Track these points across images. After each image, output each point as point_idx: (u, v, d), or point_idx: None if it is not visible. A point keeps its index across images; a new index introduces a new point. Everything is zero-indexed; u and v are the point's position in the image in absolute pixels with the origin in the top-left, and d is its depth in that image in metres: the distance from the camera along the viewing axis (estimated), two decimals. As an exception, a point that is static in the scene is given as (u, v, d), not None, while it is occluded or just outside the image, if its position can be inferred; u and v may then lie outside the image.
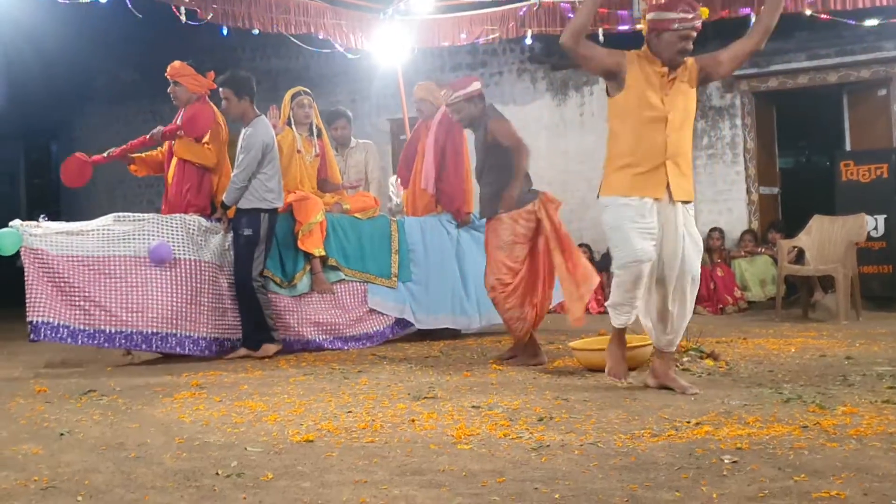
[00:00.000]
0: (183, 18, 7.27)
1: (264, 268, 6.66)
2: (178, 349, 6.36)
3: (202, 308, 6.47)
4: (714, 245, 10.11)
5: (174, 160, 6.85)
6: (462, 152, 7.52)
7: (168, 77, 6.88)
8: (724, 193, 10.62)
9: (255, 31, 8.06)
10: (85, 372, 6.09)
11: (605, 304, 4.89)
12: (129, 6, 6.89)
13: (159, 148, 7.09)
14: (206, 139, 6.76)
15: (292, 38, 8.52)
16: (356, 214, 7.40)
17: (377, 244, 7.34)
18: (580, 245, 10.81)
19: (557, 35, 8.99)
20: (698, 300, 9.59)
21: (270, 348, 6.53)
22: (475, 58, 11.91)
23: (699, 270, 4.74)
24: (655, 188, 4.62)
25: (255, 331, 6.56)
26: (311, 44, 9.04)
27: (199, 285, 6.48)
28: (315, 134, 7.35)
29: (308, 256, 6.97)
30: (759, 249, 9.98)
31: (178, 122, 6.83)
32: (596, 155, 11.23)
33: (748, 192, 10.53)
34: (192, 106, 6.79)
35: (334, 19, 8.60)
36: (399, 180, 7.95)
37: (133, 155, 7.06)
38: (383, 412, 4.32)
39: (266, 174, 6.57)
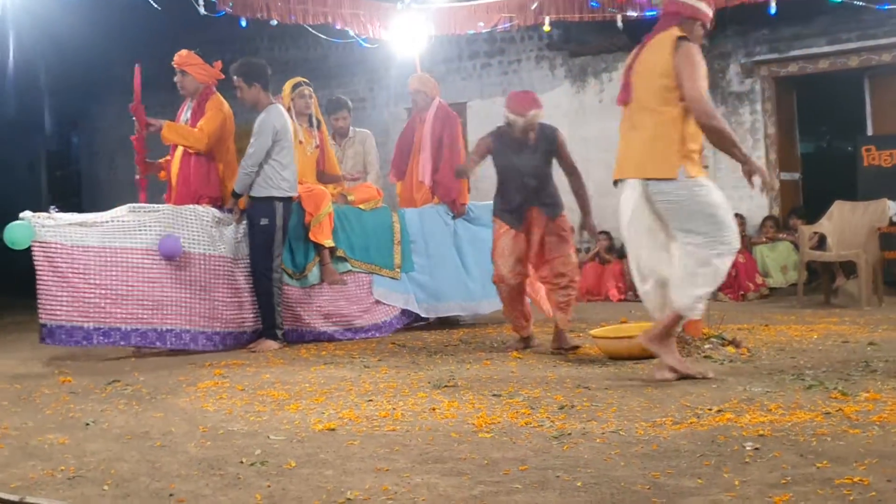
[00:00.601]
0: (202, 9, 7.28)
1: (281, 259, 6.65)
2: (191, 345, 6.30)
3: (216, 303, 6.41)
4: (735, 231, 10.06)
5: (178, 153, 6.79)
6: (458, 144, 7.62)
7: (174, 66, 6.81)
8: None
9: (273, 22, 8.08)
10: (109, 362, 6.13)
11: (695, 294, 4.55)
12: (149, -1, 6.91)
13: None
14: (200, 123, 6.66)
15: (310, 29, 8.53)
16: (360, 205, 7.42)
17: (380, 235, 7.38)
18: (601, 232, 10.81)
19: (576, 21, 9.00)
20: (720, 287, 9.63)
21: (272, 345, 6.43)
22: (493, 45, 11.88)
23: None
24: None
25: (269, 323, 6.52)
26: (329, 34, 9.05)
27: (214, 279, 6.42)
28: (315, 125, 7.34)
29: (317, 248, 6.98)
30: (781, 235, 9.93)
31: (185, 118, 6.81)
32: (616, 141, 11.19)
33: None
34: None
35: (351, 9, 8.60)
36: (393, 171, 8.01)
37: (159, 161, 7.05)
38: (404, 401, 4.33)
39: (279, 162, 6.51)
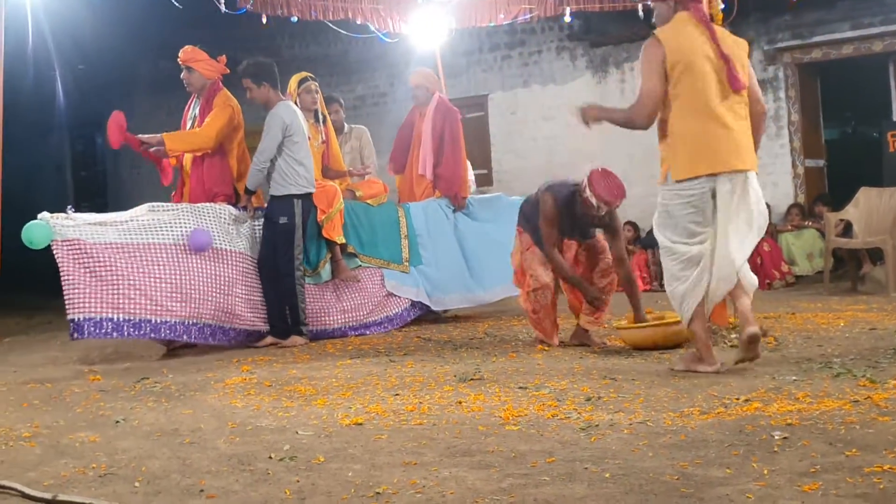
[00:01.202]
0: (222, 7, 7.31)
1: (309, 257, 6.63)
2: (210, 340, 6.28)
3: (236, 298, 6.37)
4: (760, 220, 10.00)
5: (188, 154, 6.78)
6: (459, 137, 7.67)
7: (180, 62, 6.75)
8: (769, 167, 10.49)
9: (294, 19, 8.10)
10: (137, 360, 6.18)
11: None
12: (170, -3, 6.95)
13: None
14: (206, 121, 6.62)
15: (330, 25, 8.55)
16: (368, 201, 7.44)
17: (388, 230, 7.41)
18: (625, 223, 10.78)
19: (596, 12, 8.97)
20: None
21: (298, 340, 6.44)
22: (513, 37, 11.86)
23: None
24: None
25: (284, 320, 6.51)
26: (349, 29, 9.07)
27: (233, 275, 6.39)
28: (321, 120, 7.34)
29: (329, 244, 6.98)
30: (806, 223, 9.86)
31: (195, 111, 6.78)
32: (638, 131, 11.14)
33: (793, 165, 10.40)
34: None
35: (371, 4, 8.61)
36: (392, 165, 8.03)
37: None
38: (430, 395, 4.35)
39: (294, 158, 6.50)
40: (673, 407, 3.75)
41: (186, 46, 6.77)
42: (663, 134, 4.64)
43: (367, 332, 6.96)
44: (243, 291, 6.46)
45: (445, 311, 7.74)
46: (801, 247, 9.75)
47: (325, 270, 6.98)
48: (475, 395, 4.26)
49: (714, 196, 4.49)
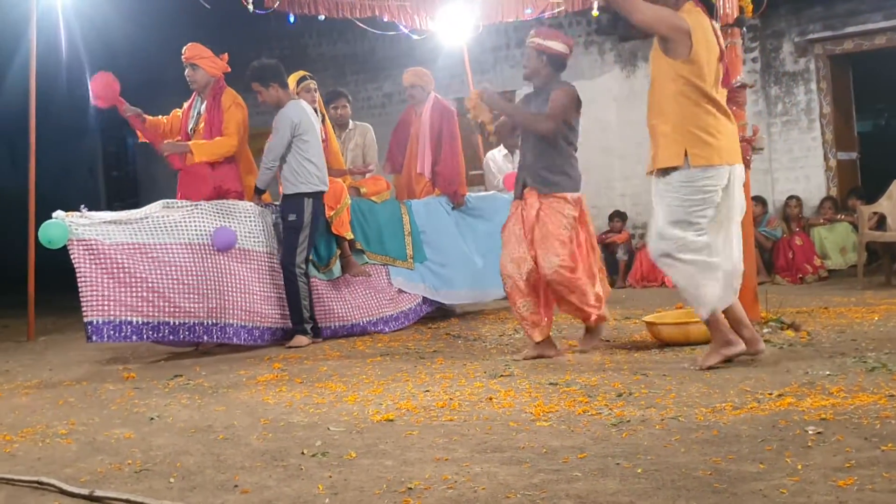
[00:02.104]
0: (250, 7, 7.35)
1: (309, 254, 6.57)
2: (234, 339, 6.20)
3: (255, 297, 6.31)
4: (792, 213, 9.93)
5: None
6: (456, 135, 7.69)
7: (185, 60, 6.70)
8: (801, 160, 10.40)
9: (321, 17, 8.13)
10: (170, 357, 6.24)
11: None
12: (199, -2, 6.99)
13: (165, 118, 7.00)
14: (224, 126, 6.62)
15: (358, 22, 8.57)
16: (372, 198, 7.45)
17: (393, 227, 7.42)
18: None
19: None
20: (777, 270, 9.53)
21: (303, 340, 6.35)
22: (541, 33, 11.82)
23: (650, 248, 4.76)
24: None
25: (297, 319, 6.45)
26: (376, 27, 9.09)
27: (252, 273, 6.34)
28: (319, 119, 7.29)
29: (338, 241, 6.98)
30: (839, 216, 9.75)
31: (199, 109, 6.75)
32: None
33: (825, 158, 10.29)
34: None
35: (398, 1, 8.63)
36: (388, 164, 8.05)
37: (145, 118, 6.92)
38: (461, 391, 4.35)
39: (304, 156, 6.46)
40: (705, 402, 3.74)
41: (190, 43, 6.72)
42: (679, 113, 4.54)
43: (383, 329, 6.95)
44: (263, 289, 6.41)
45: (454, 307, 7.75)
46: (833, 241, 9.64)
47: (337, 267, 6.97)
48: (505, 391, 4.26)
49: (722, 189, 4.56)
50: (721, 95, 4.64)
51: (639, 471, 2.84)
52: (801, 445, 3.00)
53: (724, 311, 4.56)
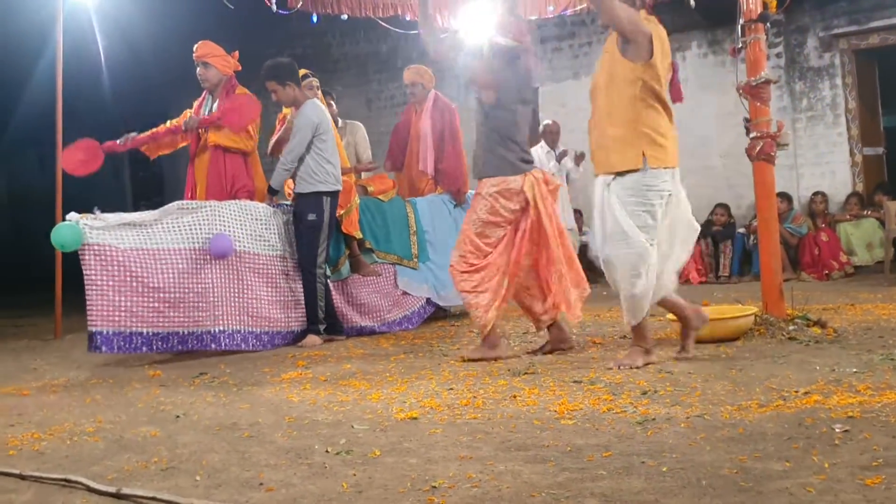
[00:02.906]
0: (273, 7, 7.37)
1: (327, 255, 6.56)
2: (242, 345, 6.12)
3: (262, 302, 6.24)
4: (817, 209, 9.86)
5: (204, 150, 6.68)
6: (459, 133, 7.66)
7: (196, 58, 6.63)
8: (826, 156, 10.32)
9: (344, 17, 8.14)
10: (195, 355, 6.27)
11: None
12: (223, -1, 7.02)
13: (180, 133, 6.87)
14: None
15: (380, 22, 8.58)
16: (379, 196, 7.43)
17: (398, 226, 7.41)
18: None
19: (647, 1, 8.87)
20: (803, 266, 9.46)
21: (316, 340, 6.35)
22: (563, 29, 11.80)
23: (609, 255, 4.67)
24: None
25: (313, 319, 6.44)
26: (399, 26, 9.09)
27: (262, 278, 6.28)
28: None
29: (347, 240, 6.96)
30: (865, 212, 9.68)
31: (210, 108, 6.67)
32: (690, 122, 11.04)
33: (851, 153, 10.21)
34: (235, 98, 6.57)
35: (419, -1, 8.62)
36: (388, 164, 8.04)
37: (142, 141, 6.78)
38: (484, 388, 4.35)
39: (323, 156, 6.44)
40: (730, 400, 3.72)
41: (201, 41, 6.65)
42: (635, 116, 4.64)
43: (390, 330, 6.91)
44: (272, 293, 6.33)
45: (450, 308, 7.69)
46: (860, 237, 9.57)
47: (346, 267, 6.95)
48: (529, 389, 4.25)
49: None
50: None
51: (664, 469, 2.82)
52: (827, 443, 2.98)
53: (662, 302, 4.76)
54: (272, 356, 6.00)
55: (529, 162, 5.37)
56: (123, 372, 5.68)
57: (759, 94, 5.63)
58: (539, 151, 9.09)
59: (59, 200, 6.17)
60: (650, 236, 4.59)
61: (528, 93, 5.58)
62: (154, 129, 6.78)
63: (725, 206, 10.43)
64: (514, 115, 5.34)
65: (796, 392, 3.76)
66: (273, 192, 6.58)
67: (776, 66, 10.26)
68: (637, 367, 4.56)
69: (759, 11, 5.62)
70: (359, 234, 6.98)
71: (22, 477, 3.18)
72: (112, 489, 2.93)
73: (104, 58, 10.19)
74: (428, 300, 7.34)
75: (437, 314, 7.66)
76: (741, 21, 5.68)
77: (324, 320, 6.49)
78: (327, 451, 3.32)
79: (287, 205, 6.70)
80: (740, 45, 5.71)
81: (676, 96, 4.82)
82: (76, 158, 6.59)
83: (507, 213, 5.23)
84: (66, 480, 3.09)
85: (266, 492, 2.88)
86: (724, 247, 10.07)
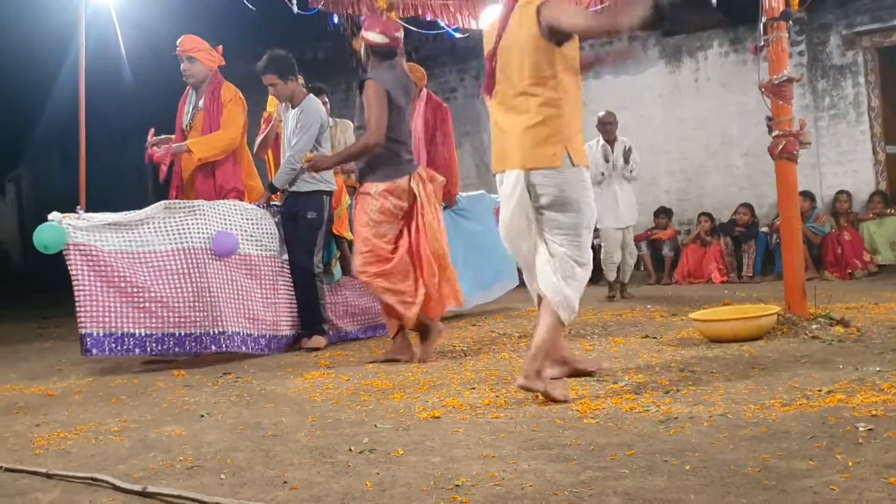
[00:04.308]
0: (294, 8, 7.39)
1: (323, 254, 6.46)
2: (242, 348, 5.98)
3: (257, 304, 6.11)
4: (841, 208, 9.79)
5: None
6: (450, 133, 7.62)
7: (181, 53, 6.45)
8: (849, 154, 10.25)
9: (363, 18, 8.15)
10: (218, 356, 6.30)
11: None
12: (244, 1, 7.03)
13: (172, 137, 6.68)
14: (224, 120, 6.41)
15: (400, 22, 8.58)
16: None
17: None
18: (701, 214, 10.64)
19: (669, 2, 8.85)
20: (826, 265, 9.41)
21: (321, 341, 6.27)
22: (583, 29, 11.76)
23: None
24: None
25: (316, 319, 6.34)
26: (419, 26, 9.10)
27: (255, 279, 6.15)
28: None
29: (338, 242, 6.90)
30: (889, 210, 9.61)
31: (195, 105, 6.50)
32: (713, 120, 11.02)
33: (874, 151, 10.14)
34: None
35: (441, 0, 8.63)
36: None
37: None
38: (506, 388, 4.35)
39: (323, 154, 6.27)
40: (753, 399, 3.70)
41: (186, 35, 6.48)
42: (555, 103, 4.14)
43: (377, 335, 6.75)
44: (266, 295, 6.21)
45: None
46: (883, 235, 9.50)
47: (338, 270, 6.88)
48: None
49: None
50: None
51: (687, 468, 2.82)
52: (851, 442, 2.96)
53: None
54: (295, 356, 6.04)
55: (411, 161, 5.48)
56: (148, 372, 5.72)
57: (781, 92, 5.60)
58: (593, 147, 8.75)
59: (83, 200, 6.21)
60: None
61: (408, 92, 5.52)
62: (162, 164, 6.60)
63: (748, 206, 10.38)
64: (397, 114, 5.37)
65: (819, 391, 3.74)
66: (274, 190, 6.40)
67: (798, 64, 10.21)
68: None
69: (781, 9, 5.59)
70: (350, 235, 6.82)
71: (48, 476, 3.22)
72: (138, 487, 2.96)
73: (127, 60, 10.27)
74: None
75: (458, 314, 7.66)
76: (763, 19, 5.65)
77: (328, 319, 6.42)
78: (350, 450, 3.34)
79: (276, 205, 6.51)
80: (762, 44, 5.68)
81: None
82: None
83: (397, 211, 5.37)
84: (92, 479, 3.12)
85: (290, 490, 2.89)
86: (748, 247, 10.02)
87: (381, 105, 5.27)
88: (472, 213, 7.72)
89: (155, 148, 6.53)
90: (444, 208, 7.57)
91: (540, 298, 4.19)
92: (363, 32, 5.49)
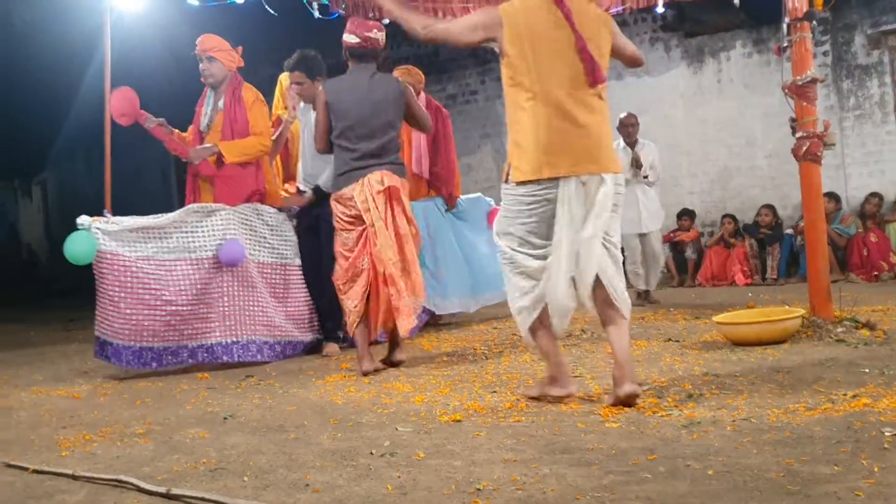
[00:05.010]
0: (316, 13, 7.42)
1: None
2: (258, 356, 5.96)
3: (275, 311, 6.08)
4: (870, 210, 9.71)
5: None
6: (451, 136, 7.62)
7: (201, 53, 6.34)
8: (875, 155, 10.17)
9: (386, 22, 8.17)
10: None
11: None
12: (265, 5, 7.06)
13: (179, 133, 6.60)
14: (254, 125, 6.30)
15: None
16: None
17: None
18: (724, 216, 10.59)
19: (690, 1, 8.82)
20: (851, 267, 9.33)
21: (334, 348, 6.28)
22: (605, 31, 11.74)
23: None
24: None
25: (337, 325, 6.26)
26: (440, 28, 9.11)
27: (273, 287, 6.13)
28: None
29: None
30: (916, 212, 9.53)
31: (213, 105, 6.40)
32: (736, 122, 10.96)
33: (901, 152, 10.05)
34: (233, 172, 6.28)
35: (462, 3, 8.64)
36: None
37: (171, 130, 6.47)
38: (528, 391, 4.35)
39: None
40: (777, 403, 3.68)
41: (205, 35, 6.39)
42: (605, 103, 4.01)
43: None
44: (282, 302, 6.19)
45: (440, 318, 7.58)
46: (910, 237, 9.42)
47: None
48: (573, 391, 4.24)
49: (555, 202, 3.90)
50: (573, 95, 3.96)
51: (710, 472, 2.81)
52: (877, 447, 2.94)
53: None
54: (316, 359, 6.06)
55: (364, 167, 5.33)
56: (172, 375, 5.76)
57: (805, 93, 5.57)
58: (618, 149, 8.58)
59: (109, 203, 6.25)
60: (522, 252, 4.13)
61: (376, 94, 5.45)
62: (171, 133, 6.48)
63: (771, 207, 10.32)
64: (344, 119, 5.37)
65: (845, 395, 3.72)
66: (319, 193, 6.28)
67: (823, 64, 10.14)
68: (533, 396, 4.16)
69: (804, 9, 5.56)
70: None
71: (74, 477, 3.25)
72: (162, 489, 2.99)
73: (150, 66, 10.36)
74: (424, 308, 6.95)
75: (481, 317, 7.67)
76: (786, 20, 5.62)
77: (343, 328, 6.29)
78: (372, 453, 3.35)
79: (293, 208, 6.45)
80: (786, 44, 5.65)
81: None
82: (121, 105, 6.24)
83: (346, 219, 5.35)
84: (117, 481, 3.15)
85: (313, 493, 2.91)
86: (773, 249, 9.96)
87: (320, 112, 5.39)
88: (467, 216, 7.71)
89: (161, 127, 6.38)
90: (447, 211, 7.59)
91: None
92: (344, 35, 5.52)
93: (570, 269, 3.87)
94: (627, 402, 3.82)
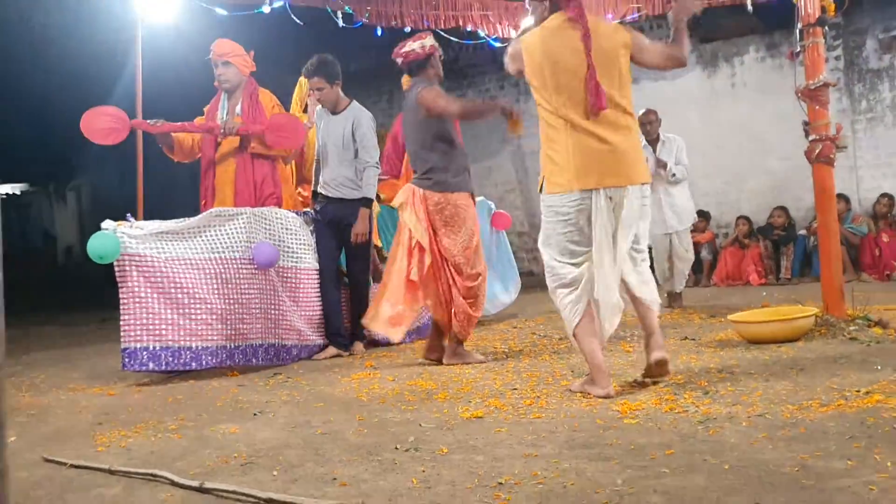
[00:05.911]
0: (340, 22, 7.50)
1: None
2: (275, 360, 5.96)
3: (294, 315, 6.08)
4: (881, 211, 9.74)
5: (227, 157, 6.36)
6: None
7: (217, 57, 6.32)
8: (888, 157, 10.21)
9: (407, 29, 8.28)
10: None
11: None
12: (292, 14, 7.14)
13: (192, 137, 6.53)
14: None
15: (442, 33, 8.71)
16: (390, 204, 7.36)
17: None
18: (739, 217, 10.64)
19: (705, 6, 8.88)
20: (864, 267, 9.37)
21: (361, 347, 6.32)
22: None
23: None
24: None
25: (341, 331, 6.31)
26: (460, 36, 9.21)
27: (292, 291, 6.12)
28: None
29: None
30: (928, 213, 9.56)
31: (227, 111, 6.38)
32: (750, 125, 11.00)
33: (913, 155, 10.09)
34: (282, 117, 6.33)
35: (481, 11, 8.74)
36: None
37: (174, 136, 6.40)
38: (548, 389, 4.43)
39: None
40: (792, 400, 3.75)
41: (220, 39, 6.39)
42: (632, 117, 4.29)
43: (408, 341, 6.67)
44: (303, 306, 6.18)
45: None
46: (922, 237, 9.46)
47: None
48: (592, 389, 4.32)
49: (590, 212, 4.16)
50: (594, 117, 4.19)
51: (725, 467, 2.87)
52: (890, 442, 2.99)
53: None
54: (342, 358, 6.14)
55: (414, 178, 5.73)
56: (203, 372, 5.79)
57: (817, 97, 5.64)
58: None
59: (141, 210, 6.35)
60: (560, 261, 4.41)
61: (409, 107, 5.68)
62: (186, 123, 6.41)
63: (783, 208, 10.36)
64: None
65: (858, 392, 3.77)
66: (368, 204, 6.25)
67: (835, 68, 10.18)
68: (576, 389, 4.34)
69: (817, 15, 5.62)
70: (379, 243, 6.87)
71: (111, 472, 3.33)
72: (195, 483, 3.06)
73: (180, 76, 10.46)
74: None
75: (500, 317, 7.75)
76: (799, 25, 5.70)
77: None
78: (396, 448, 3.42)
79: (310, 212, 6.42)
80: (798, 49, 5.72)
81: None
82: (99, 126, 6.01)
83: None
84: (152, 475, 3.22)
85: (340, 486, 2.97)
86: (786, 249, 10.01)
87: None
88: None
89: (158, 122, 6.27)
90: None
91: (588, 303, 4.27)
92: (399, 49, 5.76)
93: (612, 268, 4.15)
94: (658, 368, 4.27)
